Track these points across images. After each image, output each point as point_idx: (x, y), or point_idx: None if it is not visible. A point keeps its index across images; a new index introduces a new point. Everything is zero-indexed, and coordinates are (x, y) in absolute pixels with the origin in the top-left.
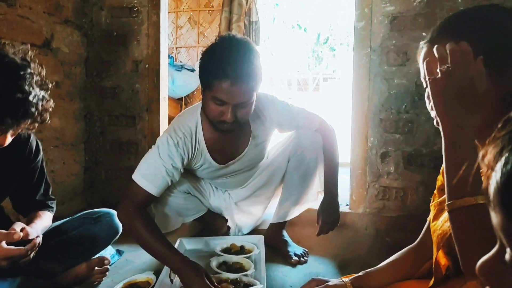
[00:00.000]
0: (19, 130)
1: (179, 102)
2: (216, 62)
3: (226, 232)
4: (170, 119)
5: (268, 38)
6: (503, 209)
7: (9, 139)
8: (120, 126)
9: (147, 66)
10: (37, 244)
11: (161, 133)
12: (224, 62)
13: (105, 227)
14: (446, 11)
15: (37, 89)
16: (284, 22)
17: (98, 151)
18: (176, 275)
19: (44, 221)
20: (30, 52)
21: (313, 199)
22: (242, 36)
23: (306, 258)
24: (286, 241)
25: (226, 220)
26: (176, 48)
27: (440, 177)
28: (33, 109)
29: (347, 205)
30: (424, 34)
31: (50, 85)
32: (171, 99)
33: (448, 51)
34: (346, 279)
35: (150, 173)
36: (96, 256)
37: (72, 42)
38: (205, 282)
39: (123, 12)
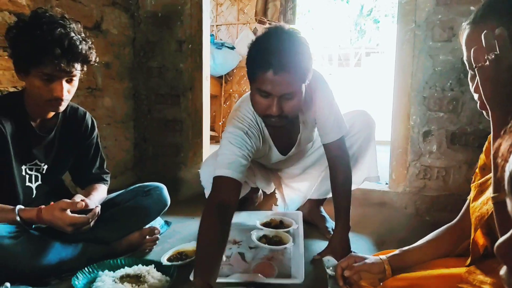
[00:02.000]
0: (73, 75)
1: (220, 80)
2: (260, 53)
3: (260, 204)
4: (212, 97)
5: (308, 11)
6: None
7: (66, 94)
8: (166, 105)
9: (190, 46)
10: (97, 213)
11: (204, 111)
12: (268, 51)
13: (155, 199)
14: None
15: (78, 35)
16: None
17: (146, 128)
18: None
19: (100, 193)
20: (66, 15)
21: (358, 183)
22: (290, 27)
23: None
24: (324, 217)
25: (263, 192)
26: (217, 25)
27: (482, 156)
28: (77, 43)
29: (386, 183)
30: (472, 8)
31: (90, 41)
32: (212, 77)
33: (495, 37)
34: (383, 256)
35: (228, 162)
36: (147, 226)
37: (120, 23)
38: None
39: None
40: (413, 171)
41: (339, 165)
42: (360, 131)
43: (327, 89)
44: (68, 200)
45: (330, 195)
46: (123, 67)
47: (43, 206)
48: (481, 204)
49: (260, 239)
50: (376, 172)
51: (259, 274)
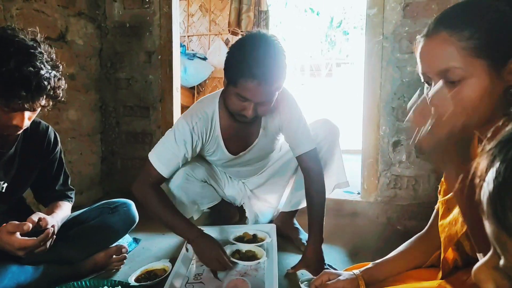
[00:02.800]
0: (36, 110)
1: (192, 91)
2: (244, 61)
3: (237, 221)
4: (183, 108)
5: (280, 23)
6: (495, 219)
7: (26, 121)
8: (135, 117)
9: (159, 57)
10: (50, 235)
11: (175, 123)
12: (252, 61)
13: (122, 217)
14: None
15: (48, 67)
16: (297, 6)
17: (114, 141)
18: (191, 246)
19: (64, 211)
20: (39, 35)
21: (329, 191)
22: (270, 34)
23: None
24: (297, 229)
25: (238, 209)
26: (188, 36)
27: None
28: (45, 83)
29: (358, 193)
30: None
31: (60, 66)
32: (183, 88)
33: (432, 110)
34: (356, 271)
35: (164, 156)
36: (114, 244)
37: (86, 34)
38: (220, 253)
39: (135, 3)
40: (384, 181)
41: (313, 177)
42: (324, 139)
43: (294, 103)
44: (15, 222)
45: (302, 205)
46: (89, 79)
47: None
48: (449, 224)
49: (233, 254)
50: (345, 177)
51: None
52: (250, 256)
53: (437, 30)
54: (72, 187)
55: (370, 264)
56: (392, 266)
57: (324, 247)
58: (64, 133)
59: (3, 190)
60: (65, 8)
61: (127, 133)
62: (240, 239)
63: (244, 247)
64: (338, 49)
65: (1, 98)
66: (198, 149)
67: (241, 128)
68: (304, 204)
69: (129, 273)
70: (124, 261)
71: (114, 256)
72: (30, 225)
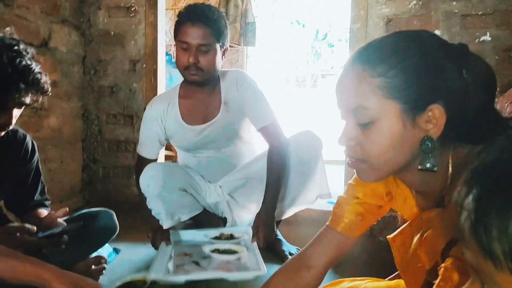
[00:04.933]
0: (24, 106)
1: None
2: (183, 11)
3: None
4: None
5: (266, 34)
6: (480, 249)
7: (14, 120)
8: (118, 125)
9: (144, 65)
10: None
11: None
12: (189, 8)
13: (102, 226)
14: (441, 13)
15: (34, 63)
16: (283, 18)
17: (96, 149)
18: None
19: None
20: (15, 34)
21: (310, 201)
22: None
23: None
24: (280, 240)
25: (223, 221)
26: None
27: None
28: (38, 76)
29: None
30: None
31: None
32: None
33: None
34: None
35: (143, 141)
36: (94, 255)
37: (69, 41)
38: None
39: (120, 11)
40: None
41: (272, 150)
42: (307, 150)
43: (253, 82)
44: (14, 225)
45: (285, 216)
46: (72, 86)
47: None
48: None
49: (212, 252)
50: (327, 189)
51: (221, 271)
52: (230, 253)
53: (353, 63)
54: (48, 197)
55: None
56: None
57: None
58: (44, 141)
59: None
60: (49, 15)
61: (110, 141)
62: (218, 238)
63: (222, 245)
64: (323, 60)
65: None
66: (162, 124)
67: (200, 101)
68: (286, 215)
69: (109, 284)
70: (103, 271)
71: (93, 267)
72: (34, 228)
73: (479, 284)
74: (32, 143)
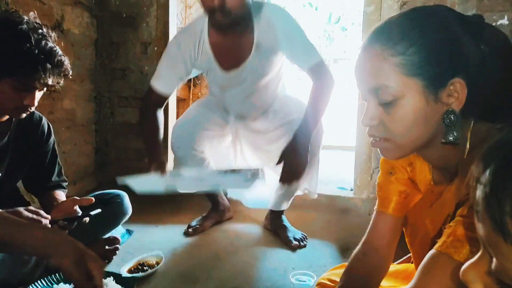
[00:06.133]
0: (46, 88)
1: (188, 83)
2: None
3: (230, 217)
4: (179, 101)
5: None
6: (492, 222)
7: (36, 101)
8: (130, 108)
9: (155, 48)
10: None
11: (170, 116)
12: None
13: (115, 208)
14: None
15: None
16: (295, 0)
17: (108, 132)
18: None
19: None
20: (38, 19)
21: (293, 193)
22: None
23: (305, 242)
24: (285, 226)
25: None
26: None
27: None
28: (62, 58)
29: (351, 190)
30: None
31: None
32: None
33: None
34: None
35: (162, 74)
36: (107, 235)
37: (82, 23)
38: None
39: None
40: (377, 178)
41: (325, 86)
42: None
43: (291, 18)
44: (30, 209)
45: (287, 206)
46: (84, 69)
47: None
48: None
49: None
50: (315, 188)
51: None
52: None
53: (371, 43)
54: (65, 178)
55: None
56: None
57: (315, 242)
58: (58, 123)
59: None
60: None
61: (122, 124)
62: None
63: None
64: (336, 45)
65: (18, 76)
66: (191, 64)
67: (231, 42)
68: (288, 205)
69: (122, 264)
70: (117, 252)
71: (106, 247)
72: (48, 217)
73: (488, 258)
74: (48, 125)
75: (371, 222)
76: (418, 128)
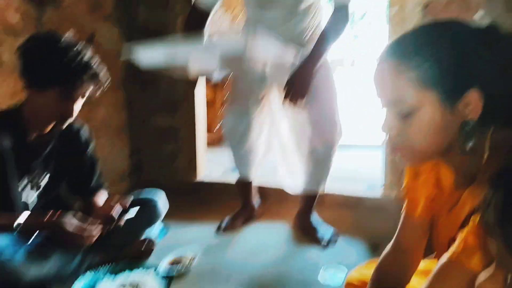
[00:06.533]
0: (88, 94)
1: (216, 86)
2: None
3: (261, 216)
4: (208, 104)
5: None
6: (505, 241)
7: (77, 110)
8: (161, 113)
9: None
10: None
11: (200, 119)
12: None
13: (149, 212)
14: None
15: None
16: None
17: (141, 137)
18: None
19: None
20: (74, 36)
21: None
22: None
23: (335, 239)
24: (314, 228)
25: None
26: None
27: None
28: (101, 67)
29: (381, 188)
30: None
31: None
32: (208, 83)
33: None
34: None
35: None
36: (144, 236)
37: (112, 37)
38: None
39: (158, 7)
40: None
41: (344, 14)
42: (327, 140)
43: None
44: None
45: (320, 190)
46: (116, 78)
47: (47, 218)
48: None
49: None
50: (317, 188)
51: None
52: None
53: (387, 57)
54: (104, 181)
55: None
56: None
57: (344, 241)
58: (95, 130)
59: (43, 185)
60: (93, 12)
61: (154, 129)
62: None
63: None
64: (361, 41)
65: (62, 87)
66: None
67: None
68: (321, 188)
69: (159, 259)
70: (154, 248)
71: (142, 249)
72: (94, 233)
73: (503, 272)
74: (88, 133)
75: (399, 224)
76: (436, 137)
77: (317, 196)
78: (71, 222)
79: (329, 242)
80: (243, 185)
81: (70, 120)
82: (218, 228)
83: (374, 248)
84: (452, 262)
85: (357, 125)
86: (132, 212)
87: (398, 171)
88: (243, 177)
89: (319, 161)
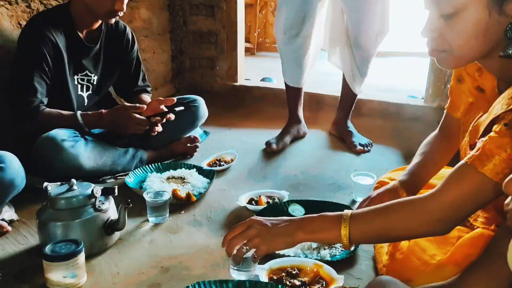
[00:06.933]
0: None
1: None
2: None
3: (305, 134)
4: (247, 6)
5: None
6: None
7: (125, 5)
8: (201, 16)
9: None
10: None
11: (239, 23)
12: None
13: (193, 111)
14: None
15: None
16: None
17: (182, 41)
18: None
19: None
20: None
21: (372, 40)
22: None
23: (370, 147)
24: (351, 132)
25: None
26: None
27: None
28: None
29: (422, 98)
30: None
31: None
32: None
33: None
34: (395, 182)
35: None
36: (188, 135)
37: None
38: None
39: None
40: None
41: None
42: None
43: None
44: (130, 104)
45: (357, 92)
46: None
47: (103, 110)
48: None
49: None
50: (358, 86)
51: None
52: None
53: None
54: (149, 83)
55: (404, 175)
56: (425, 173)
57: (379, 147)
58: (137, 32)
59: (95, 83)
60: None
61: (194, 33)
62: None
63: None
64: None
65: None
66: None
67: None
68: (357, 90)
69: (202, 159)
70: (197, 149)
71: (188, 145)
72: (145, 106)
73: None
74: (132, 33)
75: (444, 115)
76: (478, 40)
77: (354, 102)
78: (127, 108)
79: (363, 150)
80: (292, 93)
81: (119, 15)
82: (268, 145)
83: (408, 157)
84: (468, 164)
85: (403, 32)
86: (179, 107)
87: (443, 80)
88: (293, 84)
89: (362, 58)
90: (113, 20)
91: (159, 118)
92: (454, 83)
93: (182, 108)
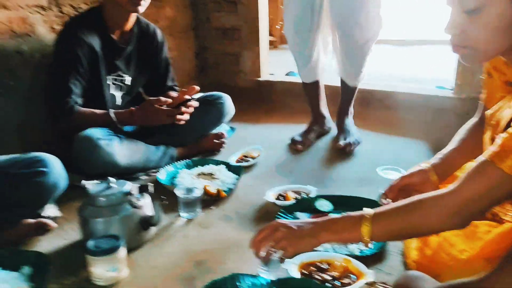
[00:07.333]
0: None
1: None
2: None
3: (330, 129)
4: (270, 1)
5: None
6: None
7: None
8: (223, 12)
9: None
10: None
11: (261, 18)
12: None
13: (219, 108)
14: None
15: None
16: None
17: (206, 37)
18: None
19: None
20: None
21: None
22: None
23: (353, 148)
24: (343, 128)
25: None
26: None
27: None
28: None
29: (451, 89)
30: None
31: None
32: None
33: None
34: (426, 164)
35: None
36: (215, 131)
37: None
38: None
39: None
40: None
41: None
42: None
43: None
44: (153, 98)
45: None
46: None
47: (132, 108)
48: None
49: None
50: (354, 78)
51: None
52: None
53: None
54: (176, 83)
55: (437, 158)
56: (459, 159)
57: (406, 140)
58: (163, 31)
59: (126, 83)
60: None
61: (217, 29)
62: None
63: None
64: None
65: None
66: None
67: None
68: (354, 83)
69: (229, 155)
70: (224, 145)
71: (215, 141)
72: (169, 100)
73: None
74: (162, 34)
75: (479, 105)
76: (500, 36)
77: (354, 95)
78: (152, 103)
79: (343, 146)
80: (310, 89)
81: (142, 4)
82: (293, 144)
83: (437, 150)
84: (487, 161)
85: (430, 19)
86: (197, 96)
87: (472, 70)
88: (307, 80)
89: (357, 52)
90: (139, 9)
91: (181, 107)
92: (486, 77)
93: (200, 95)
